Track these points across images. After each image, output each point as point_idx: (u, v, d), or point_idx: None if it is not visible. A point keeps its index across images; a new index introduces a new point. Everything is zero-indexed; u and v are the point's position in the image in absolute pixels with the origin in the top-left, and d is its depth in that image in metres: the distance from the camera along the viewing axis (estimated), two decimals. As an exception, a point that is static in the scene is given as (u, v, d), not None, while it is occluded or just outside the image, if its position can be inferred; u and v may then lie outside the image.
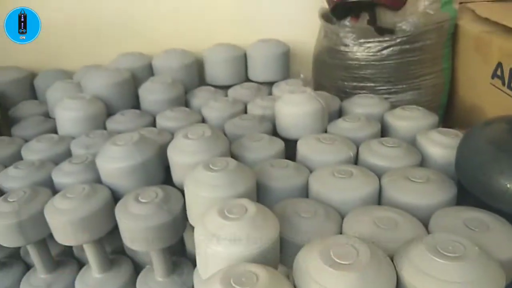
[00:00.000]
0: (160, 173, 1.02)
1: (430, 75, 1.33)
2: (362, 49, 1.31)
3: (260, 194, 0.92)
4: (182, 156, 0.94)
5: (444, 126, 1.46)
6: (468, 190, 0.83)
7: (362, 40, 1.30)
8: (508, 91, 1.14)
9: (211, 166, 0.83)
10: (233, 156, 1.06)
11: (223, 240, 0.66)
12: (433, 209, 0.81)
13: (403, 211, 0.80)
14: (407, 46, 1.28)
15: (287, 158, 1.05)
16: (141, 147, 0.97)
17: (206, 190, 0.79)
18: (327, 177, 0.89)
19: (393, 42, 1.27)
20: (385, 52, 1.29)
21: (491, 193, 0.78)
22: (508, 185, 0.76)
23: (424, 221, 0.79)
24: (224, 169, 0.82)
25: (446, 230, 0.73)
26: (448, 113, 1.43)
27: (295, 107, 1.13)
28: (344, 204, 0.85)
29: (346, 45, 1.33)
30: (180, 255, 1.05)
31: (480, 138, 0.85)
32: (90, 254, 0.96)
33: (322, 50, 1.44)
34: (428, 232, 0.76)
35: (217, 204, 0.72)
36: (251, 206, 0.71)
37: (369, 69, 1.32)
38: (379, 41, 1.28)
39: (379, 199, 0.89)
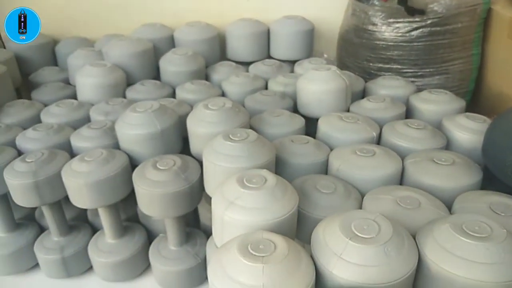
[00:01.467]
0: (178, 143, 1.01)
1: (459, 60, 1.29)
2: (390, 29, 1.27)
3: (279, 168, 0.90)
4: (201, 126, 0.92)
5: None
6: (494, 174, 0.80)
7: (391, 20, 1.26)
8: (540, 79, 1.10)
9: (231, 137, 0.82)
10: (253, 130, 1.04)
11: (240, 208, 0.65)
12: (457, 193, 0.78)
13: (426, 192, 0.77)
14: (438, 28, 1.23)
15: (307, 136, 1.03)
16: (160, 115, 0.95)
17: (224, 160, 0.78)
18: (349, 155, 0.87)
19: (423, 24, 1.23)
20: (414, 33, 1.24)
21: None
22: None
23: (448, 204, 0.76)
24: (244, 140, 0.81)
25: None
26: (474, 100, 1.39)
27: (318, 84, 1.10)
28: (365, 182, 0.83)
29: (374, 24, 1.29)
30: (193, 227, 1.04)
31: (511, 121, 0.82)
32: (105, 219, 0.96)
33: (349, 29, 1.40)
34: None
35: (236, 174, 0.71)
36: (271, 177, 0.69)
37: (397, 50, 1.28)
38: (409, 22, 1.24)
39: (401, 180, 0.87)
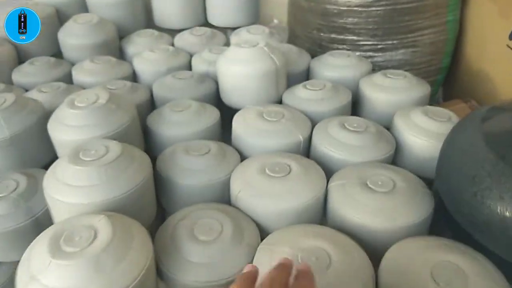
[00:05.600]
0: (44, 152, 0.76)
1: (429, 29, 1.02)
2: (342, -11, 0.99)
3: (163, 192, 0.67)
4: (62, 131, 0.68)
5: (443, 96, 1.19)
6: (447, 208, 0.57)
7: (343, -22, 0.99)
8: (529, 57, 0.84)
9: (80, 156, 0.58)
10: (148, 131, 0.80)
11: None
12: (396, 236, 0.55)
13: (349, 239, 0.54)
14: (402, -12, 0.96)
15: (228, 133, 0.80)
16: (13, 115, 0.71)
17: (62, 193, 0.55)
18: (254, 175, 0.63)
19: (383, -18, 0.96)
20: (372, -5, 0.97)
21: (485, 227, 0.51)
22: (508, 214, 0.50)
23: (381, 254, 0.54)
24: (98, 160, 0.57)
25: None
26: (449, 79, 1.13)
27: (240, 65, 0.84)
28: (269, 217, 0.60)
29: (323, -16, 1.01)
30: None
31: (476, 133, 0.57)
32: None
33: (297, -11, 1.12)
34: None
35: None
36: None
37: (351, 17, 1.01)
38: (365, -20, 0.97)
39: (324, 210, 0.64)
